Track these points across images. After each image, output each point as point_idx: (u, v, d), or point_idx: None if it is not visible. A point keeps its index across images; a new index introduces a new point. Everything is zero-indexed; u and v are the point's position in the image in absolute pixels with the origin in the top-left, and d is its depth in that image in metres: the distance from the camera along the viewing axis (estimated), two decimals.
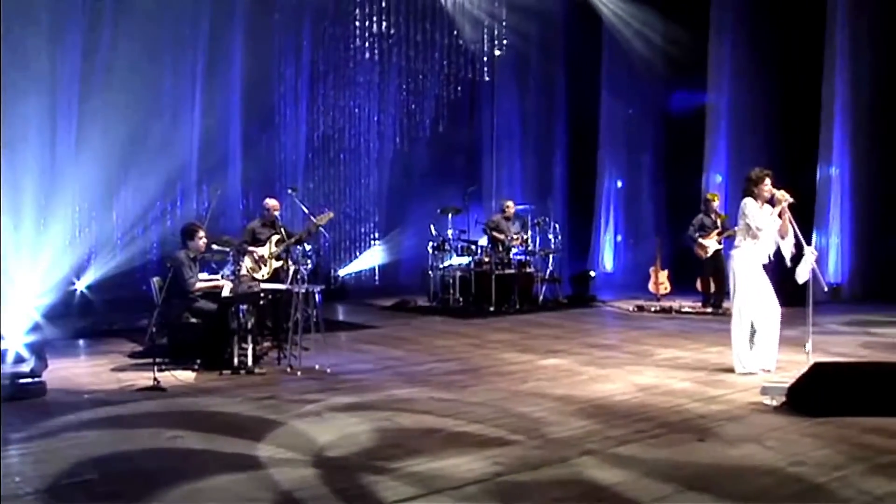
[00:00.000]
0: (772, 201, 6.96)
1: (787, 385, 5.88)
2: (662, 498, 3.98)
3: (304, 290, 7.50)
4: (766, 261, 6.99)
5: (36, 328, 6.59)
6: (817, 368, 5.78)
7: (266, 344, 8.28)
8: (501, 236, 12.42)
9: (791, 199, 6.94)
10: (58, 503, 4.01)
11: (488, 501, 3.95)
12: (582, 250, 16.46)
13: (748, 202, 6.96)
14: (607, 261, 16.55)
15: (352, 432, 5.15)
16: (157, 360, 6.81)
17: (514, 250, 12.43)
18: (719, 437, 5.04)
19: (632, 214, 16.68)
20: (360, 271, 14.85)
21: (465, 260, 12.70)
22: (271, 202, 9.28)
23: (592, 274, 13.80)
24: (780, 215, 6.89)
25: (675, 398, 6.09)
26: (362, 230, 14.97)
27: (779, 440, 4.99)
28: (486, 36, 15.89)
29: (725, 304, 11.52)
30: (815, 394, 5.65)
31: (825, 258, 12.91)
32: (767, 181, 6.93)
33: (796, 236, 6.93)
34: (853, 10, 13.04)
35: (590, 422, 5.37)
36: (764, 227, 6.87)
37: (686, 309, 11.73)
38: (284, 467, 4.46)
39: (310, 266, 7.78)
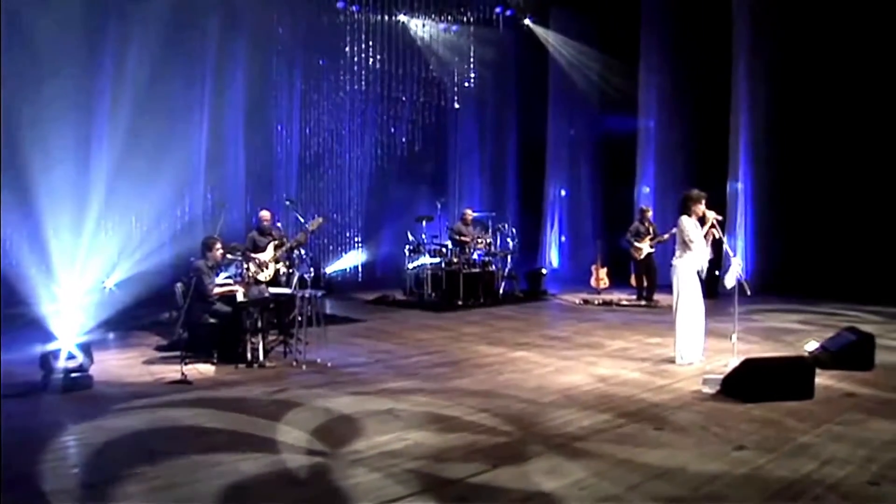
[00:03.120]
0: (702, 218, 7.05)
1: (722, 377, 5.99)
2: (635, 486, 3.98)
3: (307, 294, 7.40)
4: (699, 268, 7.07)
5: (87, 329, 6.42)
6: (747, 362, 5.88)
7: (272, 338, 8.12)
8: (465, 239, 12.39)
9: (720, 218, 7.07)
10: (118, 494, 3.87)
11: (491, 493, 3.92)
12: (532, 249, 16.53)
13: (685, 220, 7.00)
14: (553, 258, 16.65)
15: (361, 426, 5.05)
16: (182, 355, 6.66)
17: (476, 252, 12.40)
18: (673, 426, 5.07)
19: (573, 219, 16.81)
20: (345, 269, 14.69)
21: (435, 260, 12.62)
22: (263, 213, 9.19)
23: (544, 272, 13.81)
24: (708, 232, 7.00)
25: (631, 388, 6.11)
26: (347, 234, 14.81)
27: (721, 426, 5.05)
28: (455, 69, 15.82)
29: (655, 298, 11.74)
30: (745, 383, 5.75)
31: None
32: (703, 202, 7.01)
33: (724, 248, 7.04)
34: (753, 54, 13.30)
35: (564, 413, 5.35)
36: (696, 240, 6.95)
37: (624, 302, 11.85)
38: (312, 463, 4.35)
39: (312, 273, 7.62)
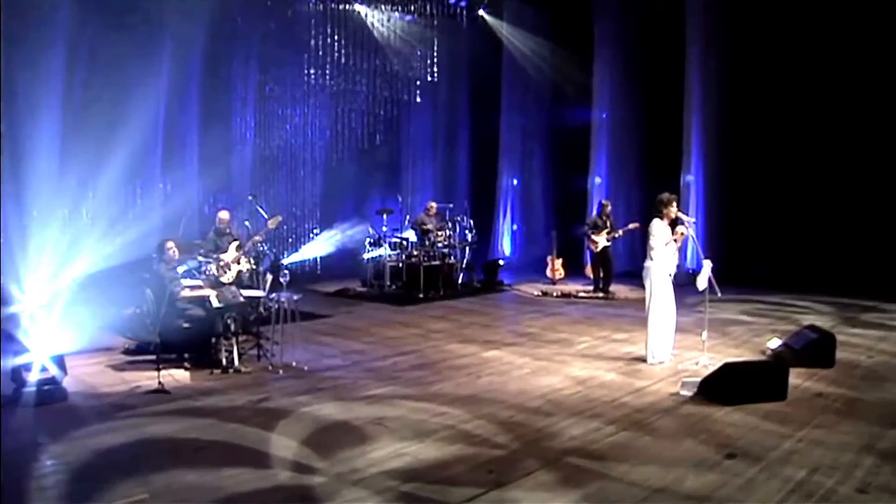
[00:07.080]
0: (675, 221, 7.06)
1: (698, 379, 6.03)
2: (643, 500, 3.94)
3: (283, 298, 7.13)
4: (674, 270, 7.09)
5: (56, 338, 6.00)
6: (725, 366, 5.93)
7: (242, 339, 7.79)
8: (429, 227, 12.18)
9: (692, 220, 7.11)
10: None
11: None
12: (484, 239, 16.39)
13: (656, 223, 6.98)
14: (506, 247, 16.59)
15: (355, 440, 4.85)
16: (156, 361, 6.29)
17: (438, 244, 12.23)
18: (659, 433, 5.06)
19: (526, 208, 16.74)
20: (304, 261, 14.28)
21: (395, 252, 12.39)
22: (222, 215, 8.69)
23: (501, 263, 13.73)
24: (681, 235, 7.02)
25: (611, 391, 6.08)
26: (306, 226, 14.39)
27: (707, 432, 5.07)
28: (411, 61, 15.45)
29: (611, 289, 11.83)
30: (722, 386, 5.80)
31: (684, 250, 13.34)
32: (674, 205, 7.01)
33: (696, 250, 7.07)
34: (706, 47, 13.40)
35: (552, 420, 5.28)
36: (665, 247, 6.94)
37: (582, 294, 11.87)
38: (312, 484, 4.15)
39: (287, 277, 7.29)
